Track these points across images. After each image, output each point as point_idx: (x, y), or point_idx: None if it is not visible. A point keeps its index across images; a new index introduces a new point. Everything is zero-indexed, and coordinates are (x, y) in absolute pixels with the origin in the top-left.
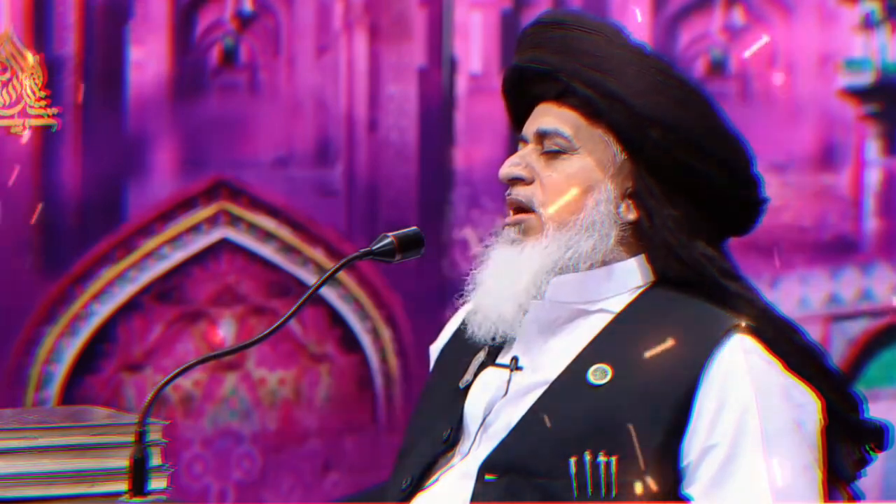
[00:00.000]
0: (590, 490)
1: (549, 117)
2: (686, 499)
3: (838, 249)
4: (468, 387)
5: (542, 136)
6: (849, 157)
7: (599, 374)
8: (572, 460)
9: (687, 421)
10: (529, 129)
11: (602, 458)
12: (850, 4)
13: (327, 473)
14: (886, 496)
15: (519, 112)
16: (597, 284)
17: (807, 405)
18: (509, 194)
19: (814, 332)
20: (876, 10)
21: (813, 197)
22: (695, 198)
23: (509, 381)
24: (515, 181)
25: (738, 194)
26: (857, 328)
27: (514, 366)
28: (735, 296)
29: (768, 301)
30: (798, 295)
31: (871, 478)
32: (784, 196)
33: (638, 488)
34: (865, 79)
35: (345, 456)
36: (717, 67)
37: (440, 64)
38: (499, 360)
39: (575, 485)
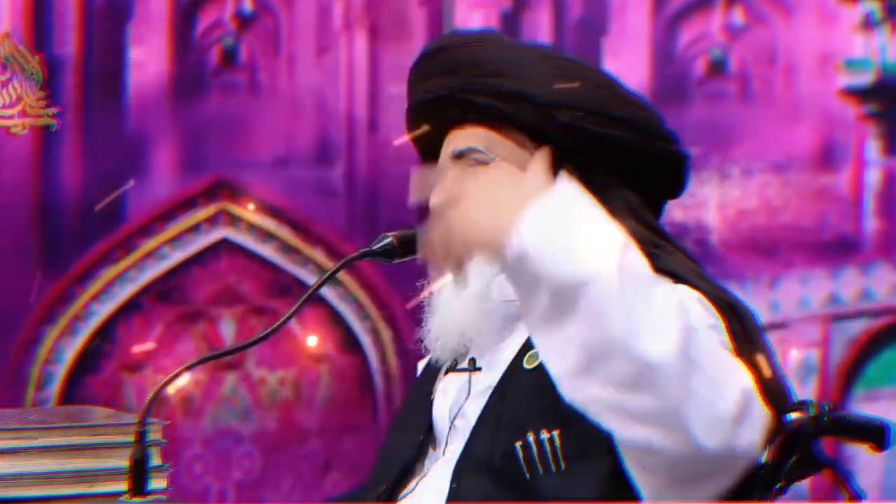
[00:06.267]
0: (540, 469)
1: (459, 139)
2: None
3: (838, 249)
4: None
5: (458, 157)
6: (849, 157)
7: (532, 359)
8: (518, 444)
9: None
10: (444, 156)
11: (545, 435)
12: (850, 4)
13: (327, 473)
14: (886, 496)
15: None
16: None
17: (719, 325)
18: None
19: (814, 332)
20: (876, 10)
21: (813, 197)
22: (617, 169)
23: (470, 382)
24: None
25: (658, 152)
26: (857, 328)
27: (472, 367)
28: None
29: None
30: (798, 295)
31: (871, 478)
32: (784, 196)
33: (582, 456)
34: (865, 79)
35: (345, 456)
36: (717, 67)
37: None
38: (459, 366)
39: (525, 468)
